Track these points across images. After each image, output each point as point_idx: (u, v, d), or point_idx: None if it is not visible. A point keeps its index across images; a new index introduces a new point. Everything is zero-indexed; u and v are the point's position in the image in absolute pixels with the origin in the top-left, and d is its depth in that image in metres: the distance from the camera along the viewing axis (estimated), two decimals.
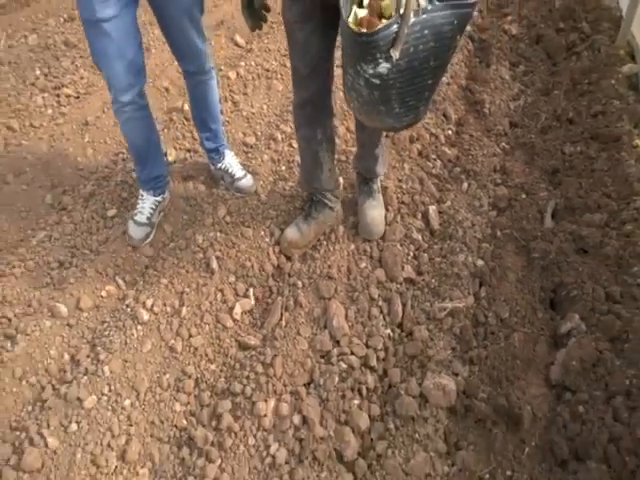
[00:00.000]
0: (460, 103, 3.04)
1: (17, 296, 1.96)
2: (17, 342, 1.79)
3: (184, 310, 1.90)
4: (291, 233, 2.13)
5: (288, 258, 2.14)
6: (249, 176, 2.39)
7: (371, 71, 1.34)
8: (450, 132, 2.81)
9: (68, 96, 3.01)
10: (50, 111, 2.90)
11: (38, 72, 3.20)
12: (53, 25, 3.72)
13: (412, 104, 1.45)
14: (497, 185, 2.48)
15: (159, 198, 2.22)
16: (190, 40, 2.04)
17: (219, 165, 2.40)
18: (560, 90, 3.09)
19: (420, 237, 2.19)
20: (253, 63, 3.33)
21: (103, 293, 1.99)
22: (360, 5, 1.36)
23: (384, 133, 2.21)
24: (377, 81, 1.35)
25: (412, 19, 1.26)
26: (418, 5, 1.27)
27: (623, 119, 2.72)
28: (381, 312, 1.92)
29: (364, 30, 1.29)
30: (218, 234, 2.17)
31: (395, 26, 1.26)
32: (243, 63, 3.31)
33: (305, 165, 2.12)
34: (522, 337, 1.78)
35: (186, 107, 2.86)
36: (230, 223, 2.24)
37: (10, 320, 1.89)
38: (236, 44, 3.59)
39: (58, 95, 3.01)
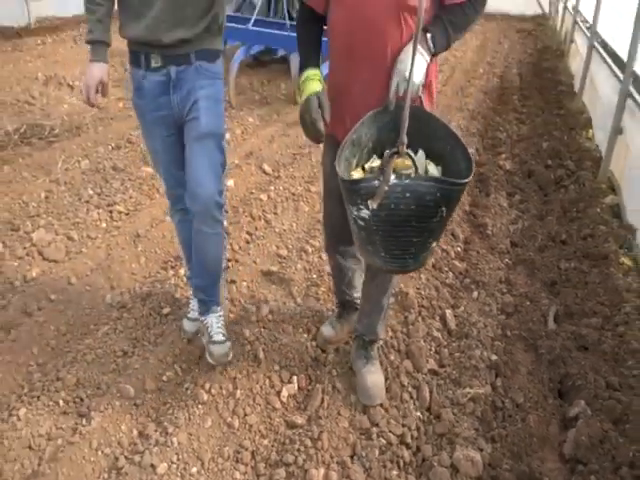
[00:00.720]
0: (466, 225, 3.57)
1: (88, 379, 2.28)
2: (92, 417, 2.09)
3: (238, 393, 2.22)
4: (326, 331, 2.50)
5: (323, 351, 2.49)
6: (227, 343, 2.27)
7: (355, 213, 1.61)
8: (459, 249, 3.29)
9: (120, 212, 3.51)
10: (104, 225, 3.38)
11: (91, 192, 3.74)
12: (102, 152, 4.36)
13: (397, 254, 1.69)
14: (503, 294, 2.91)
15: None
16: (200, 176, 2.10)
17: (202, 318, 2.36)
18: (553, 216, 3.64)
19: (440, 335, 2.58)
20: (281, 187, 3.91)
21: (164, 378, 2.31)
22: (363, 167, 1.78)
23: (391, 288, 2.26)
24: (362, 223, 1.62)
25: (394, 180, 1.54)
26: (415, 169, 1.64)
27: (609, 241, 3.23)
28: (411, 397, 2.25)
29: (348, 177, 1.66)
30: (262, 330, 2.55)
31: (376, 182, 1.54)
32: (272, 187, 3.88)
33: (337, 281, 2.46)
34: (536, 419, 2.11)
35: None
36: (272, 321, 2.63)
37: (82, 400, 2.20)
38: (264, 172, 4.20)
39: (111, 211, 3.51)
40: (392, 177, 1.55)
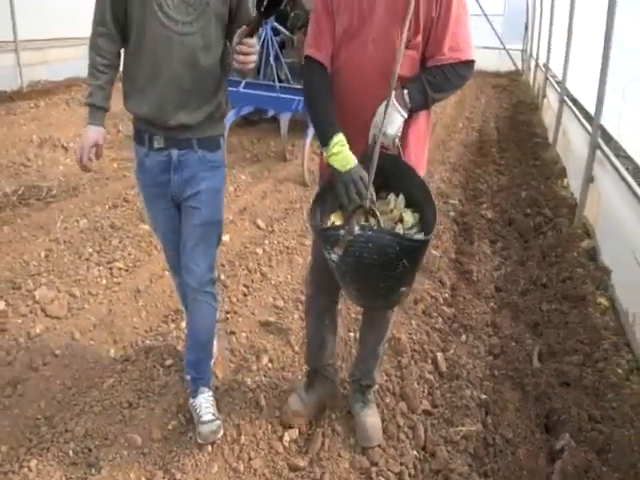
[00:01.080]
0: (452, 272, 3.77)
1: (96, 430, 2.38)
2: (101, 467, 2.18)
3: (242, 438, 2.33)
4: (294, 404, 2.44)
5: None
6: (217, 422, 2.28)
7: (327, 255, 1.80)
8: (447, 295, 3.48)
9: (119, 269, 3.66)
10: (105, 281, 3.52)
11: (91, 250, 3.90)
12: (99, 211, 4.54)
13: (367, 294, 1.90)
14: (490, 336, 3.08)
15: None
16: (197, 256, 2.25)
17: (191, 400, 2.40)
18: (533, 261, 3.86)
19: (432, 377, 2.72)
20: (275, 241, 4.11)
21: (170, 427, 2.41)
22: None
23: (387, 336, 2.41)
24: (333, 264, 1.81)
25: (358, 231, 1.72)
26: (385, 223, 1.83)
27: (587, 282, 3.43)
28: (407, 437, 2.38)
29: (319, 225, 1.87)
30: (263, 378, 2.68)
31: (342, 231, 1.74)
32: (267, 241, 4.07)
33: (311, 344, 2.47)
34: (525, 452, 2.24)
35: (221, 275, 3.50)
36: (272, 369, 2.77)
37: (91, 450, 2.30)
38: (258, 227, 4.40)
39: (111, 268, 3.66)
40: (356, 228, 1.74)
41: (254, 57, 1.87)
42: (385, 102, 1.83)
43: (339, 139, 1.86)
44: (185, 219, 2.26)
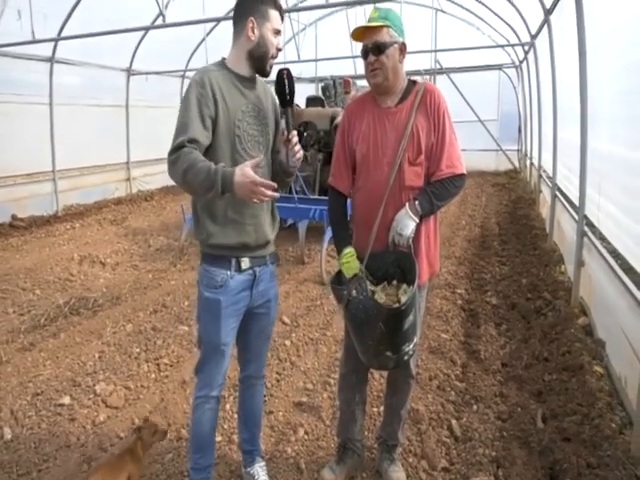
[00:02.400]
0: (462, 352, 4.24)
1: None
2: None
3: None
4: (327, 475, 2.83)
5: None
6: None
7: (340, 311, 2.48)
8: (458, 372, 3.93)
9: (166, 364, 4.18)
10: (154, 375, 4.04)
11: (138, 349, 4.44)
12: (142, 316, 5.12)
13: (362, 349, 2.43)
14: (498, 405, 3.51)
15: None
16: (262, 351, 2.69)
17: (249, 469, 2.80)
18: (535, 339, 4.32)
19: (448, 440, 3.14)
20: (301, 334, 4.63)
21: None
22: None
23: (408, 402, 2.86)
24: (344, 320, 2.49)
25: (354, 294, 2.31)
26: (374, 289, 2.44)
27: (584, 354, 3.88)
28: None
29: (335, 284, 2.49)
30: (301, 447, 3.12)
31: (344, 291, 2.37)
32: (293, 335, 4.60)
33: (343, 417, 2.90)
34: None
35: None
36: (308, 440, 3.21)
37: None
38: (284, 323, 4.94)
39: (158, 364, 4.18)
40: (353, 292, 2.34)
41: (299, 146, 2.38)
42: (401, 210, 2.45)
43: (348, 251, 2.52)
44: (253, 322, 2.56)
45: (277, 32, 2.34)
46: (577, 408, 3.29)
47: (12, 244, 8.02)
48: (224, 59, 2.40)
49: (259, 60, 2.33)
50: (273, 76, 2.40)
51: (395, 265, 2.49)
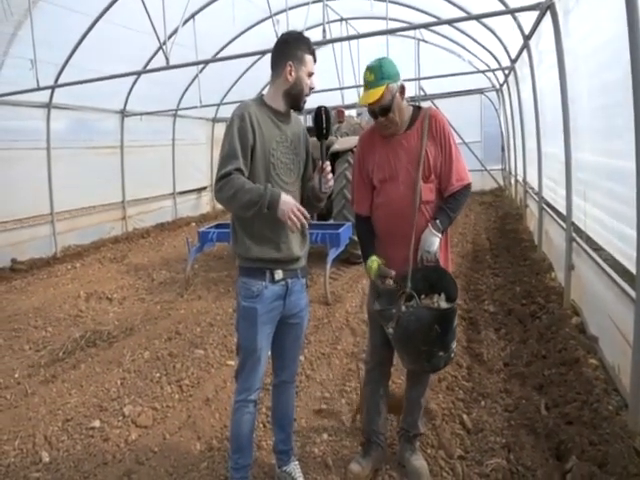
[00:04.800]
0: (466, 356, 4.56)
1: None
2: None
3: None
4: (355, 468, 3.08)
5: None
6: None
7: (386, 330, 2.68)
8: (464, 373, 4.24)
9: (187, 385, 4.44)
10: (177, 396, 4.29)
11: (158, 374, 4.69)
12: (157, 344, 5.38)
13: (414, 358, 2.69)
14: (504, 399, 3.80)
15: None
16: (296, 357, 2.98)
17: (285, 467, 3.03)
18: (533, 340, 4.64)
19: (462, 432, 3.43)
20: (313, 350, 4.92)
21: None
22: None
23: (427, 392, 3.20)
24: (390, 336, 2.68)
25: (404, 309, 2.60)
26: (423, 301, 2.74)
27: (579, 349, 4.20)
28: (449, 474, 3.05)
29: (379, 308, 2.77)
30: (326, 448, 3.39)
31: (394, 310, 2.65)
32: (306, 351, 4.89)
33: (369, 410, 3.19)
34: (543, 474, 2.91)
35: None
36: (332, 441, 3.47)
37: None
38: None
39: (180, 385, 4.44)
40: (403, 307, 2.63)
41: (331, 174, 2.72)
42: (426, 231, 2.76)
43: (373, 258, 2.83)
44: (287, 331, 2.84)
45: (311, 74, 2.70)
46: (576, 396, 3.60)
47: (15, 286, 8.24)
48: (262, 95, 2.76)
49: (295, 98, 2.69)
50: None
51: (423, 280, 2.76)
